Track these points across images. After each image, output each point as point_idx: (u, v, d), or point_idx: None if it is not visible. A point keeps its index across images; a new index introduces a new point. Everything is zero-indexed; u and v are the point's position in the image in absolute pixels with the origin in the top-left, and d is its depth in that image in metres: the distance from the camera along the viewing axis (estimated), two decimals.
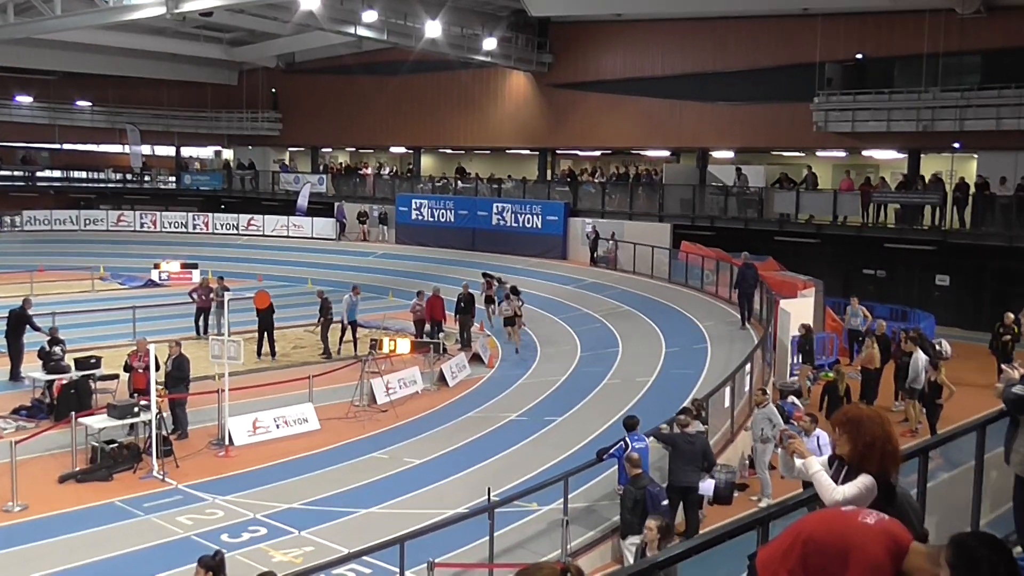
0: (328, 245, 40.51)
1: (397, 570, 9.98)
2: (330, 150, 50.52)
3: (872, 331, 20.42)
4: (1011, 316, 20.17)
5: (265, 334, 23.34)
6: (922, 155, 30.19)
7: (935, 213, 27.72)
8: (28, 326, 20.33)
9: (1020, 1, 26.13)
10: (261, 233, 42.34)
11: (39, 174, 47.11)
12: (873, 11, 28.98)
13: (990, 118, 26.48)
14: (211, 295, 25.29)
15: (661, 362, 20.62)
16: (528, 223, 36.54)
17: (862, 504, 4.24)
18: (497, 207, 37.53)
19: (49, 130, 46.42)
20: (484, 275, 28.30)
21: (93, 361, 18.41)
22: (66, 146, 48.23)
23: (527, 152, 41.62)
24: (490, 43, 34.18)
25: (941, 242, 27.52)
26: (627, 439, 11.63)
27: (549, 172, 40.82)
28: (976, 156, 29.25)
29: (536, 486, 12.06)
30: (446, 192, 40.72)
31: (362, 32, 31.46)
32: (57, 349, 18.59)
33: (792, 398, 16.41)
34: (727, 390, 15.32)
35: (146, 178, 48.36)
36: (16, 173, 46.37)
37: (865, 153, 32.13)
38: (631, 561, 10.22)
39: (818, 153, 33.18)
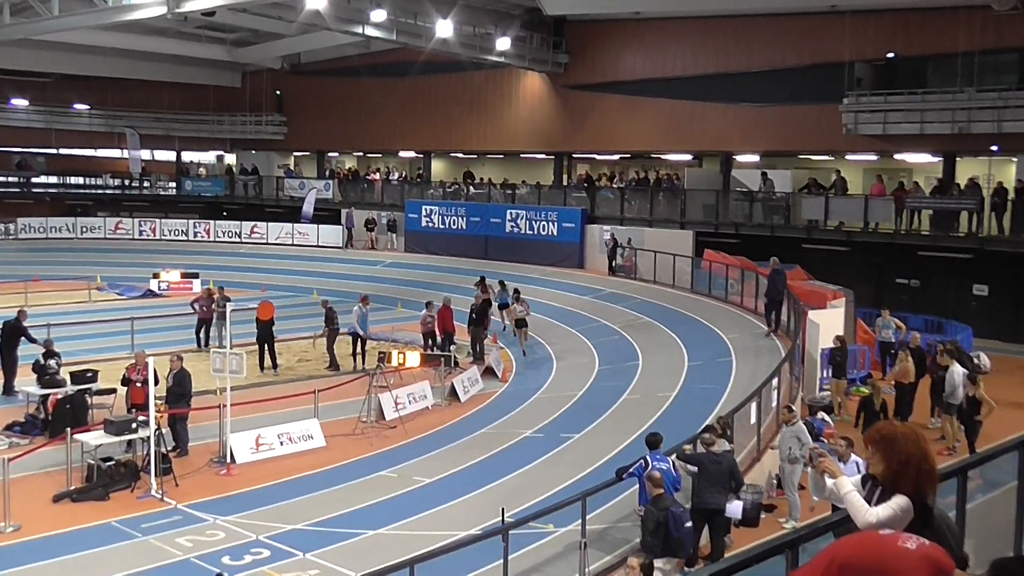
0: (334, 253, 40.62)
1: None
2: (336, 155, 50.69)
3: (906, 344, 20.30)
4: None
5: (265, 346, 23.41)
6: (958, 158, 30.03)
7: (972, 219, 27.55)
8: (23, 338, 20.44)
9: None
10: (265, 241, 42.51)
11: (35, 180, 47.51)
12: (905, 8, 28.90)
13: None
14: (212, 306, 25.38)
15: (683, 376, 20.54)
16: (543, 230, 36.55)
17: (897, 527, 4.20)
18: (511, 214, 37.56)
19: (45, 134, 46.82)
20: (480, 279, 29.23)
21: (89, 375, 18.49)
22: (63, 151, 48.65)
23: (542, 156, 41.64)
24: (503, 43, 34.24)
25: (978, 250, 27.35)
26: (647, 457, 11.56)
27: (565, 177, 40.83)
28: (1015, 159, 29.09)
29: (552, 507, 12.01)
30: (457, 198, 40.78)
31: (370, 32, 31.59)
32: (52, 362, 18.65)
33: (822, 414, 16.32)
34: (753, 406, 15.22)
35: (145, 184, 48.69)
36: (11, 179, 46.79)
37: (897, 157, 31.99)
38: None
39: (848, 157, 33.05)
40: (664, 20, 34.86)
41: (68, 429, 14.95)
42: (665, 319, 26.45)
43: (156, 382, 15.42)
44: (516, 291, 27.76)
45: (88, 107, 47.43)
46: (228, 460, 15.98)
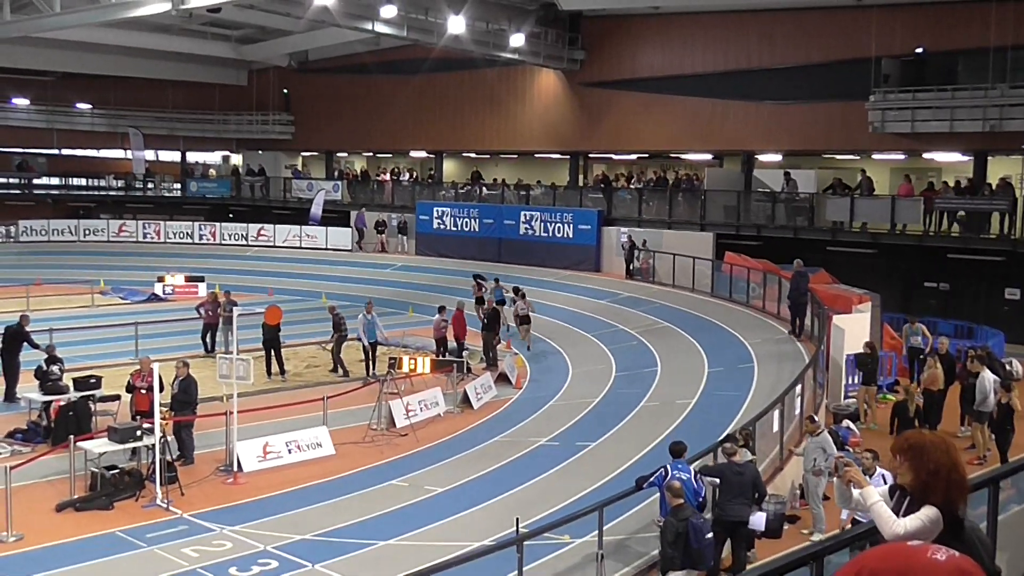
0: (344, 257, 40.75)
1: None
2: (346, 155, 50.82)
3: (935, 349, 20.23)
4: None
5: (272, 352, 23.52)
6: (989, 157, 29.90)
7: (1004, 220, 27.43)
8: (25, 344, 20.58)
9: None
10: (272, 244, 42.68)
11: (36, 181, 47.74)
12: (934, 1, 28.81)
13: None
14: (218, 310, 25.50)
15: (703, 383, 20.52)
16: (558, 232, 36.57)
17: (926, 539, 4.20)
18: (525, 215, 37.60)
19: (47, 134, 47.11)
20: (474, 276, 30.79)
21: (93, 381, 18.56)
22: (65, 151, 48.91)
23: (557, 156, 41.66)
24: (517, 39, 34.28)
25: (1011, 252, 27.22)
26: (668, 466, 11.56)
27: (581, 177, 40.85)
28: None
29: (568, 517, 12.02)
30: (470, 199, 40.84)
31: (380, 28, 31.68)
32: (55, 368, 18.77)
33: (847, 422, 16.29)
34: (775, 413, 15.21)
35: (149, 185, 48.92)
36: (12, 180, 47.01)
37: (926, 156, 31.89)
38: None
39: (874, 156, 32.96)
40: (684, 15, 34.86)
41: (71, 437, 15.06)
42: (684, 324, 26.42)
43: (161, 389, 15.53)
44: (516, 288, 28.33)
45: (90, 106, 47.71)
46: (235, 468, 16.05)
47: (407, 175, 46.47)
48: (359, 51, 42.99)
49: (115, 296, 36.02)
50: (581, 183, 40.36)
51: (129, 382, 17.06)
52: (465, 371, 22.82)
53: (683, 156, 39.21)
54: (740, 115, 33.87)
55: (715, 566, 11.30)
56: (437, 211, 39.99)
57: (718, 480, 11.90)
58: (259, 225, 43.47)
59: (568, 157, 40.80)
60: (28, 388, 19.31)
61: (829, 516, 13.36)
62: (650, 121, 36.33)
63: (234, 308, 19.96)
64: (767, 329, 24.48)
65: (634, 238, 34.21)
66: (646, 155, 40.22)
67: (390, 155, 49.55)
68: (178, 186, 49.51)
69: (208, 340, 25.75)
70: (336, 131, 46.46)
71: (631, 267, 34.03)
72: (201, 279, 36.52)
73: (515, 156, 44.49)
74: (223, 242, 43.31)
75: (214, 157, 54.64)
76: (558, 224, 36.64)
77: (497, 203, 39.87)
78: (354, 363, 24.69)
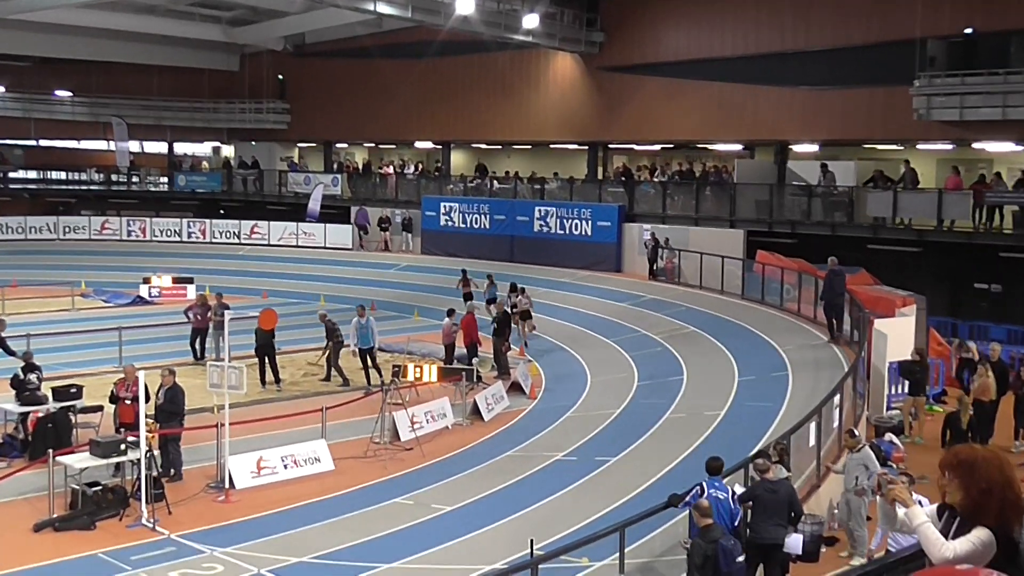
0: (344, 256, 40.83)
1: None
2: (346, 146, 50.95)
3: (986, 357, 20.16)
4: None
5: (267, 359, 23.57)
6: None
7: None
8: (1, 350, 20.67)
9: None
10: (266, 242, 42.81)
11: (12, 175, 48.04)
12: None
13: None
14: (209, 314, 25.58)
15: (733, 393, 20.50)
16: (576, 229, 36.57)
17: (977, 563, 4.19)
18: (540, 211, 37.62)
19: (23, 124, 47.34)
20: (462, 271, 31.93)
21: (73, 391, 18.63)
22: (43, 142, 49.19)
23: (574, 147, 41.66)
24: (531, 20, 34.30)
25: None
26: (704, 484, 11.53)
27: (600, 170, 40.82)
28: None
29: (587, 538, 12.01)
30: (480, 194, 40.89)
31: (382, 9, 31.77)
32: (32, 377, 18.82)
33: (891, 436, 16.26)
34: (812, 426, 15.18)
35: (134, 179, 49.16)
36: None
37: (976, 146, 31.73)
38: None
39: (919, 146, 32.84)
40: None
41: (50, 451, 15.10)
42: (712, 329, 26.39)
43: (147, 399, 15.57)
44: (513, 285, 29.24)
45: (70, 94, 47.91)
46: (226, 485, 16.08)
47: (412, 168, 46.55)
48: (360, 34, 43.03)
49: (97, 299, 36.16)
50: (600, 176, 40.33)
51: (112, 392, 17.14)
52: (475, 380, 22.82)
53: (711, 147, 39.16)
54: (773, 102, 33.78)
55: None
56: (444, 206, 40.04)
57: (750, 504, 11.89)
58: (252, 222, 43.58)
59: (586, 148, 40.78)
60: (4, 398, 19.33)
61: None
62: (675, 109, 36.27)
63: (225, 312, 19.96)
64: (802, 334, 24.44)
65: (658, 236, 34.18)
66: (670, 146, 40.19)
67: (393, 146, 49.64)
68: (165, 180, 49.76)
69: (197, 346, 25.82)
70: (335, 120, 46.53)
71: (655, 267, 34.00)
72: (190, 280, 36.63)
73: (529, 147, 44.50)
74: (213, 240, 43.46)
75: (203, 148, 54.88)
76: (575, 220, 36.63)
77: (509, 198, 39.89)
78: (354, 371, 24.73)
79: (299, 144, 51.20)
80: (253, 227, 43.35)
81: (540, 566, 10.79)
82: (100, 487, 15.08)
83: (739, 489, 12.33)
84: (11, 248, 42.39)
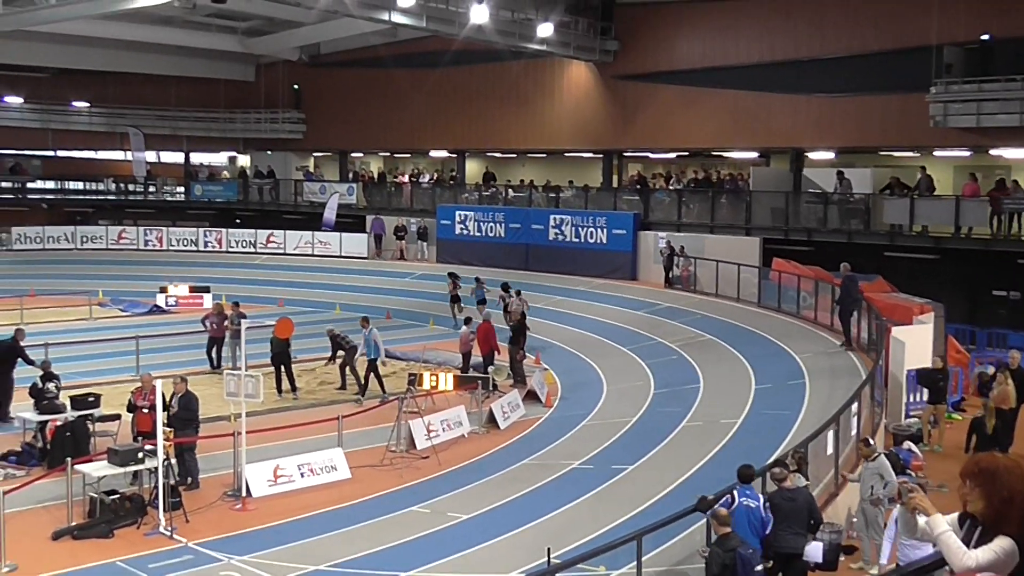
0: (360, 265, 40.88)
1: None
2: (361, 155, 51.08)
3: (1005, 364, 20.04)
4: None
5: (282, 368, 23.62)
6: None
7: None
8: (20, 360, 20.78)
9: None
10: (282, 251, 42.92)
11: (30, 185, 48.28)
12: None
13: None
14: (225, 323, 25.65)
15: (750, 401, 20.45)
16: (591, 238, 36.55)
17: (1000, 572, 4.17)
18: (554, 219, 37.61)
19: (41, 135, 47.64)
20: (449, 274, 33.03)
21: (91, 399, 18.72)
22: (61, 153, 49.47)
23: (589, 155, 41.67)
24: (546, 29, 34.34)
25: None
26: (735, 492, 11.48)
27: (615, 178, 40.81)
28: None
29: (604, 547, 11.97)
30: (495, 202, 40.91)
31: (397, 19, 31.84)
32: (51, 386, 18.93)
33: (909, 444, 16.17)
34: (830, 434, 15.11)
35: (151, 189, 49.36)
36: (4, 184, 47.57)
37: (993, 152, 31.65)
38: None
39: (936, 153, 32.76)
40: (726, 1, 34.81)
41: (68, 459, 15.15)
42: (729, 337, 26.34)
43: (165, 407, 15.62)
44: (505, 285, 30.51)
45: (88, 105, 48.22)
46: (243, 493, 16.11)
47: (427, 177, 46.63)
48: (375, 43, 43.11)
49: (115, 308, 36.31)
50: (615, 184, 40.32)
51: (130, 400, 17.20)
52: (491, 388, 22.82)
53: (726, 154, 39.14)
54: (788, 109, 33.74)
55: None
56: (459, 215, 40.08)
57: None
58: (268, 231, 43.70)
59: (601, 156, 40.80)
60: (23, 407, 19.46)
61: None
62: (690, 116, 36.27)
63: (242, 321, 20.04)
64: (819, 342, 24.37)
65: (673, 243, 34.13)
66: (686, 153, 40.15)
67: (408, 155, 49.75)
68: (181, 189, 49.91)
69: (214, 355, 25.88)
70: (350, 130, 46.66)
71: (670, 275, 33.94)
72: (206, 289, 36.75)
73: (543, 155, 44.54)
74: (230, 249, 43.59)
75: (220, 158, 55.10)
76: (590, 229, 36.62)
77: (524, 206, 39.92)
78: (371, 379, 24.80)
79: (315, 153, 51.38)
80: (269, 236, 43.48)
81: (557, 574, 10.77)
82: (118, 495, 15.14)
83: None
84: (29, 258, 42.63)
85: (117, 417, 18.48)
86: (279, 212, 46.84)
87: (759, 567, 10.64)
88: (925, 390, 20.21)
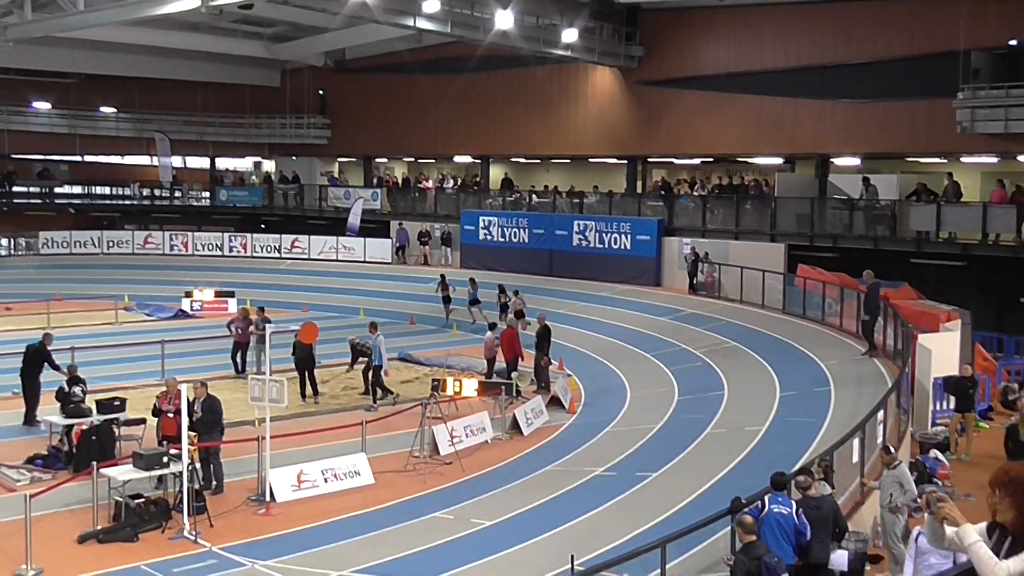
0: (384, 270, 41.01)
1: None
2: (385, 160, 51.24)
3: None
4: None
5: (306, 373, 23.67)
6: None
7: None
8: (46, 364, 20.93)
9: None
10: (306, 256, 43.11)
11: (57, 190, 48.68)
12: None
13: None
14: (250, 328, 25.76)
15: (775, 408, 20.34)
16: (615, 243, 36.51)
17: None
18: (579, 225, 37.60)
19: (69, 140, 48.04)
20: (441, 276, 34.33)
21: (117, 403, 18.86)
22: (87, 158, 49.83)
23: (613, 161, 41.64)
24: (570, 35, 34.33)
25: None
26: (767, 499, 11.42)
27: (640, 184, 40.75)
28: None
29: (628, 554, 11.93)
30: (519, 208, 40.94)
31: (422, 24, 31.89)
32: (77, 390, 19.10)
33: (936, 452, 16.05)
34: (855, 442, 15.01)
35: (176, 194, 49.67)
36: (32, 189, 48.00)
37: (1021, 158, 31.39)
38: None
39: (963, 159, 32.53)
40: (751, 7, 34.70)
41: (94, 463, 15.24)
42: (753, 343, 26.24)
43: (190, 412, 15.69)
44: (501, 287, 32.43)
45: (115, 110, 48.58)
46: (267, 498, 16.17)
47: (451, 182, 46.70)
48: (399, 49, 43.29)
49: (140, 312, 36.58)
50: (639, 190, 40.26)
51: (155, 405, 17.27)
52: (514, 394, 22.82)
53: (751, 160, 39.00)
54: (814, 115, 33.61)
55: None
56: (483, 220, 40.13)
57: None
58: (293, 236, 43.92)
59: (625, 162, 40.74)
60: (49, 411, 19.63)
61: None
62: (715, 122, 36.18)
63: (267, 325, 20.10)
64: (845, 349, 24.24)
65: (698, 249, 34.06)
66: (710, 159, 40.06)
67: (432, 160, 49.86)
68: (207, 194, 50.24)
69: (239, 360, 26.02)
70: (375, 135, 46.85)
71: (694, 281, 33.86)
72: (231, 294, 36.98)
73: (567, 161, 44.55)
74: (255, 254, 43.84)
75: (245, 163, 55.40)
76: (614, 234, 36.58)
77: (548, 212, 39.93)
78: (395, 384, 24.85)
79: (339, 159, 51.56)
80: (294, 241, 43.67)
81: None
82: (143, 499, 15.21)
83: None
84: (56, 262, 42.98)
85: (142, 421, 18.60)
86: (304, 217, 47.06)
87: (784, 575, 10.58)
88: (952, 398, 20.08)
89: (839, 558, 11.65)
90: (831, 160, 34.93)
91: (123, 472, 15.33)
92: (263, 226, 47.42)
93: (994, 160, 32.09)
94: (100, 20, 30.70)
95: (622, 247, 36.36)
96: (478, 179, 46.01)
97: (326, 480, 17.12)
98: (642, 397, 23.24)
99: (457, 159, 47.80)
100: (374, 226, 43.91)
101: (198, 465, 15.98)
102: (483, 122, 42.96)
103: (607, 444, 19.64)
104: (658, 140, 38.12)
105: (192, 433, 15.81)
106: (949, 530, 4.86)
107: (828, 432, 17.54)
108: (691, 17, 36.23)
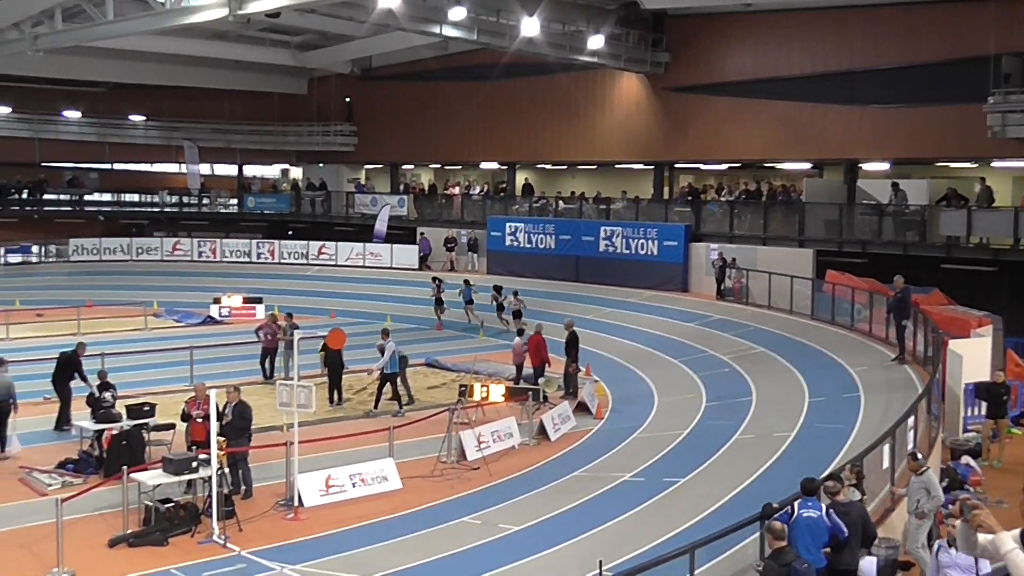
0: (410, 276, 41.07)
1: None
2: (412, 167, 51.38)
3: None
4: None
5: (333, 379, 23.73)
6: None
7: None
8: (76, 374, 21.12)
9: None
10: (334, 262, 43.25)
11: (87, 198, 49.08)
12: None
13: None
14: (278, 334, 25.87)
15: (803, 414, 20.23)
16: (642, 249, 36.43)
17: None
18: (605, 231, 37.55)
19: (99, 148, 48.53)
20: (433, 279, 35.48)
21: (147, 409, 18.97)
22: (117, 166, 50.29)
23: (640, 167, 41.58)
24: (596, 41, 34.33)
25: None
26: (796, 504, 11.35)
27: (666, 190, 40.67)
28: None
29: (656, 559, 11.86)
30: (545, 214, 40.93)
31: (448, 32, 32.00)
32: (107, 395, 19.27)
33: (967, 459, 15.91)
34: (886, 448, 14.90)
35: (205, 201, 49.98)
36: (62, 197, 48.39)
37: None
38: None
39: (994, 164, 32.29)
40: (778, 12, 34.61)
41: (124, 467, 15.37)
42: (782, 349, 26.13)
43: (219, 417, 15.77)
44: (497, 287, 34.05)
45: (144, 118, 49.01)
46: (296, 503, 16.23)
47: (477, 188, 46.77)
48: (425, 56, 43.44)
49: (169, 319, 36.82)
50: (666, 196, 40.18)
51: (184, 410, 17.39)
52: (541, 400, 22.79)
53: (779, 166, 38.86)
54: (842, 120, 33.46)
55: None
56: (510, 227, 40.14)
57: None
58: (320, 243, 44.06)
59: (652, 168, 40.69)
60: (80, 416, 19.82)
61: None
62: (742, 128, 36.08)
63: (295, 331, 20.18)
64: (874, 355, 24.07)
65: (725, 255, 33.94)
66: (738, 165, 39.93)
67: (459, 167, 49.93)
68: (235, 202, 50.48)
69: (267, 365, 26.14)
70: (401, 142, 47.01)
71: (722, 287, 33.75)
72: (259, 300, 37.17)
73: (594, 167, 44.53)
74: (282, 261, 44.02)
75: (272, 170, 55.71)
76: (641, 240, 36.51)
77: (575, 218, 39.91)
78: (421, 390, 24.88)
79: (366, 166, 51.77)
80: (321, 248, 43.83)
81: None
82: (172, 504, 15.31)
83: None
84: (86, 269, 43.33)
85: (172, 426, 18.74)
86: (331, 224, 47.22)
87: None
88: (983, 404, 19.90)
89: (868, 565, 11.55)
90: (859, 165, 34.76)
91: (153, 477, 15.44)
92: (290, 233, 47.64)
93: None
94: (129, 29, 31.00)
95: (649, 253, 36.27)
96: (504, 185, 46.04)
97: (354, 485, 17.17)
98: (669, 403, 23.17)
99: (483, 166, 47.87)
100: (401, 232, 44.01)
101: (227, 470, 16.06)
102: (509, 129, 43.02)
103: (634, 450, 19.59)
104: (685, 146, 38.06)
105: (221, 438, 15.91)
106: (982, 537, 4.82)
107: (857, 438, 17.42)
108: (717, 23, 36.16)
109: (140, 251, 45.03)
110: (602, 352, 28.81)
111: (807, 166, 37.63)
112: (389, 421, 20.40)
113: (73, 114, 47.75)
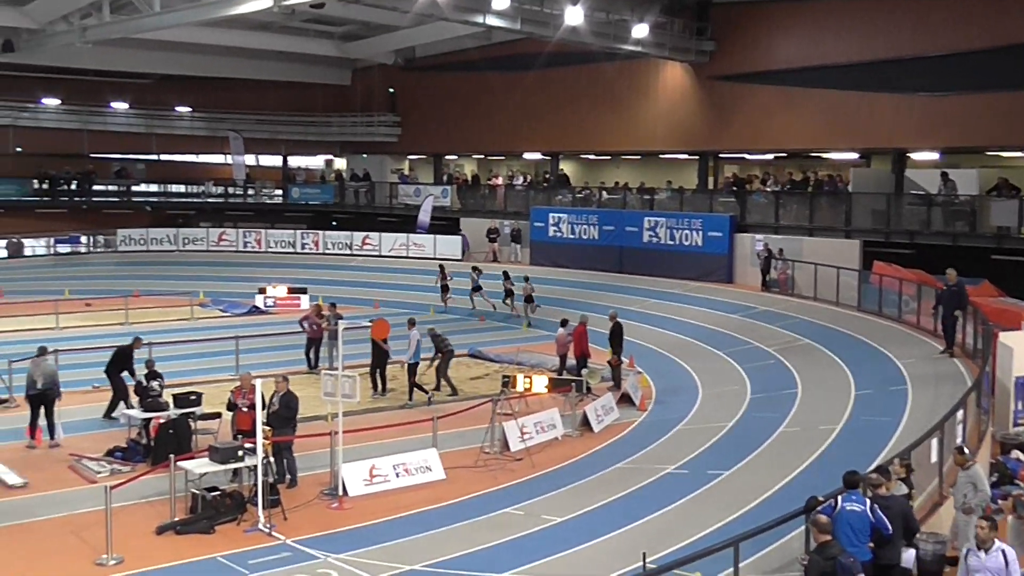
0: (454, 267, 41.12)
1: None
2: (455, 158, 51.47)
3: None
4: None
5: (378, 369, 23.88)
6: None
7: None
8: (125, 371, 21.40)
9: None
10: (377, 253, 43.45)
11: (135, 188, 49.72)
12: None
13: None
14: (323, 324, 26.04)
15: (850, 407, 20.08)
16: (686, 240, 36.27)
17: None
18: (649, 221, 37.41)
19: (146, 140, 49.09)
20: (440, 266, 36.31)
21: (193, 398, 19.18)
22: (163, 157, 50.85)
23: (684, 157, 41.39)
24: (641, 30, 34.16)
25: None
26: (839, 498, 11.28)
27: (711, 180, 40.46)
28: None
29: (700, 552, 11.85)
30: (589, 204, 40.86)
31: (492, 21, 31.98)
32: (155, 384, 19.55)
33: (1017, 453, 15.72)
34: (934, 442, 14.75)
35: (250, 192, 50.39)
36: (110, 188, 49.04)
37: None
38: None
39: None
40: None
41: (171, 456, 15.54)
42: (828, 341, 25.92)
43: (265, 406, 15.92)
44: (505, 273, 35.21)
45: (190, 110, 49.54)
46: (340, 492, 16.37)
47: (520, 179, 46.76)
48: (469, 47, 43.50)
49: (215, 308, 37.24)
50: (711, 186, 39.99)
51: (230, 399, 17.55)
52: (584, 391, 22.79)
53: (825, 155, 38.51)
54: (890, 109, 33.09)
55: None
56: (553, 217, 40.10)
57: None
58: (364, 233, 44.26)
59: (696, 158, 40.49)
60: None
61: None
62: (788, 117, 35.80)
63: (339, 321, 20.32)
64: (922, 347, 23.83)
65: (770, 246, 33.71)
66: (783, 155, 39.62)
67: (502, 157, 49.96)
68: (279, 192, 50.89)
69: (311, 356, 26.33)
70: (445, 132, 47.10)
71: (767, 278, 33.54)
72: (304, 291, 37.44)
73: (638, 157, 44.38)
74: (326, 251, 44.32)
75: (316, 161, 56.07)
76: (685, 231, 36.33)
77: (618, 208, 39.80)
78: (464, 381, 24.96)
79: (409, 156, 51.94)
80: (365, 238, 44.03)
81: None
82: (219, 492, 15.49)
83: None
84: (134, 259, 43.92)
85: (218, 415, 18.93)
86: (374, 214, 47.41)
87: (860, 575, 10.44)
88: None
89: (908, 558, 11.45)
90: (908, 155, 34.38)
91: (199, 465, 15.61)
92: (334, 223, 47.88)
93: None
94: (175, 21, 31.32)
95: (693, 244, 36.10)
96: (548, 176, 46.00)
97: (398, 475, 17.27)
98: (714, 395, 23.10)
99: (527, 156, 47.85)
100: (444, 223, 44.12)
101: (272, 459, 16.21)
102: (552, 119, 42.96)
103: (678, 442, 19.55)
104: (730, 135, 37.82)
105: (267, 427, 16.07)
106: None
107: (904, 432, 17.28)
108: (763, 11, 35.89)
109: (186, 241, 45.51)
110: (646, 343, 28.75)
111: (854, 156, 37.28)
112: (432, 411, 20.50)
113: (120, 105, 48.32)
